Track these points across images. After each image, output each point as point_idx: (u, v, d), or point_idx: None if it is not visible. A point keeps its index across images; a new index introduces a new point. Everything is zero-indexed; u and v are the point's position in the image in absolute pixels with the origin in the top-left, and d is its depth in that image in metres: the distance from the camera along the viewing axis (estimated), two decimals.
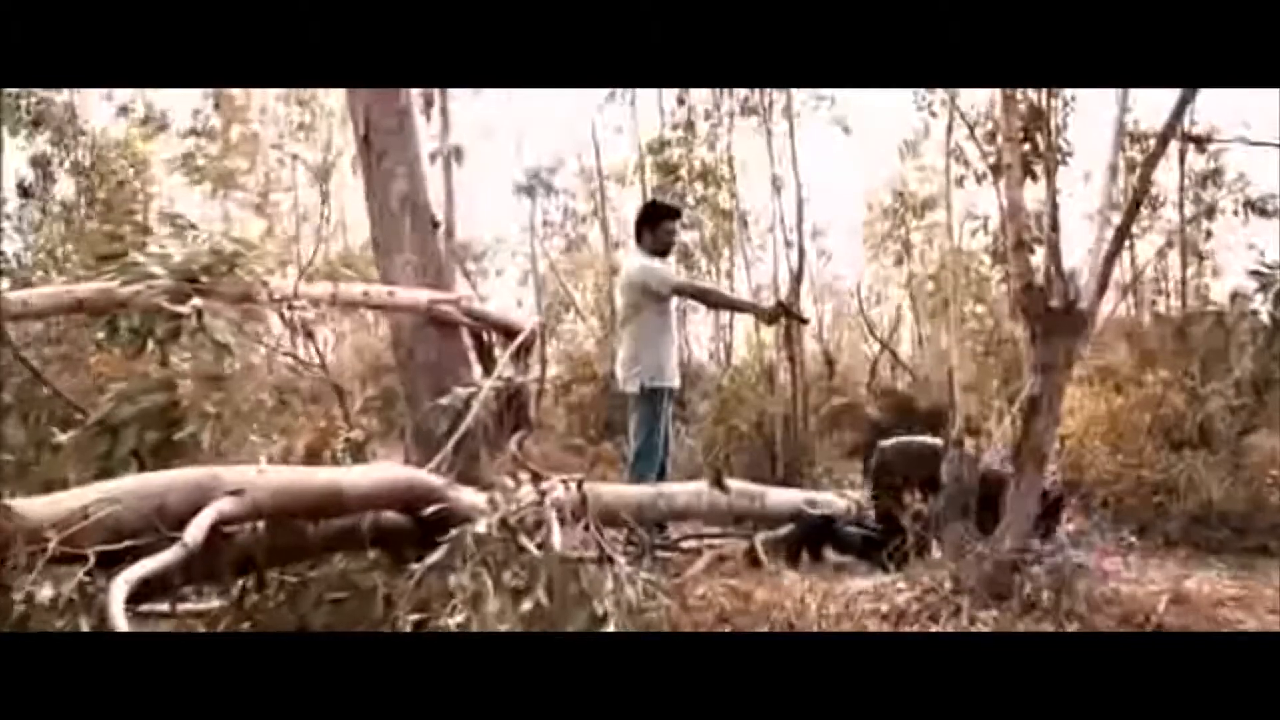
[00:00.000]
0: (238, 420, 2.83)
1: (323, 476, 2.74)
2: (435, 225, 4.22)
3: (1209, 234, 13.50)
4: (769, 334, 8.78)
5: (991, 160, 8.51)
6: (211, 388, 2.85)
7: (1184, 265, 13.47)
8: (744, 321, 12.37)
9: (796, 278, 6.79)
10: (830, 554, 5.06)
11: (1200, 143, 10.42)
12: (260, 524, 2.51)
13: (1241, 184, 12.52)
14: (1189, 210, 12.48)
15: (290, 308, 3.07)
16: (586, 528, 2.85)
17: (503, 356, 3.86)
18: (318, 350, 3.27)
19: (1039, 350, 4.07)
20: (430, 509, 2.73)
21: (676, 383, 5.45)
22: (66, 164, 13.70)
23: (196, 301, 2.85)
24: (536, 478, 3.62)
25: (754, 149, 11.15)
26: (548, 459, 5.46)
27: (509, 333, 4.00)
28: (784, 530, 5.08)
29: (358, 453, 2.92)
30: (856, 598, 4.01)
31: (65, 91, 13.43)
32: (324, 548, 2.74)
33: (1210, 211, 13.27)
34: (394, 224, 4.09)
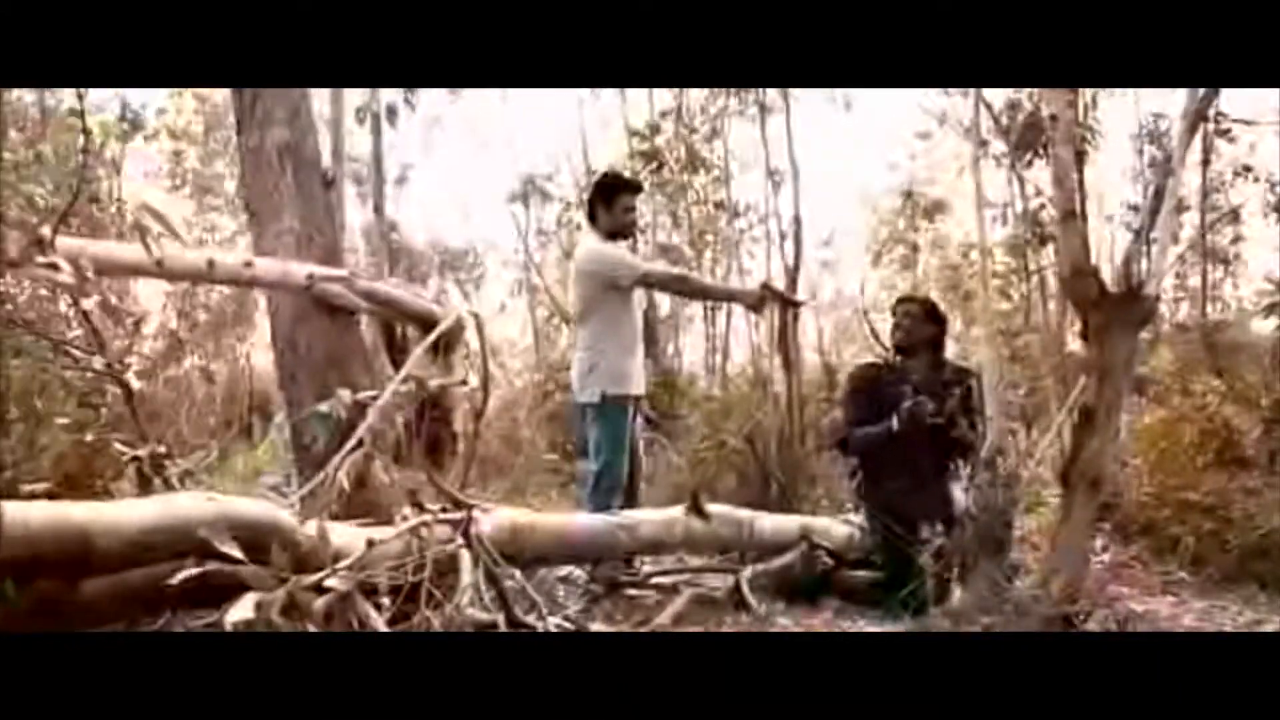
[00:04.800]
0: None
1: (57, 518, 1.87)
2: (328, 184, 3.38)
3: (1236, 238, 12.74)
4: (766, 340, 7.92)
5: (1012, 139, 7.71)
6: None
7: (1205, 272, 12.75)
8: (741, 329, 11.59)
9: (793, 274, 5.96)
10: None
11: (1221, 122, 9.67)
12: None
13: (1269, 183, 11.76)
14: (1218, 208, 11.69)
15: (45, 266, 2.17)
16: (495, 584, 2.04)
17: (415, 352, 3.03)
18: (95, 332, 2.39)
19: (1093, 349, 3.26)
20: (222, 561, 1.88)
21: (642, 389, 4.63)
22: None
23: None
24: (458, 505, 2.82)
25: (748, 137, 10.38)
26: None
27: (427, 324, 3.17)
28: (777, 563, 4.24)
29: (152, 478, 2.10)
30: None
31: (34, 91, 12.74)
32: (97, 614, 1.90)
33: (1235, 215, 12.55)
34: (270, 180, 3.26)
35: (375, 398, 2.80)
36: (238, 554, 1.80)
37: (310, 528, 2.01)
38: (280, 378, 3.32)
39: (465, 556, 2.44)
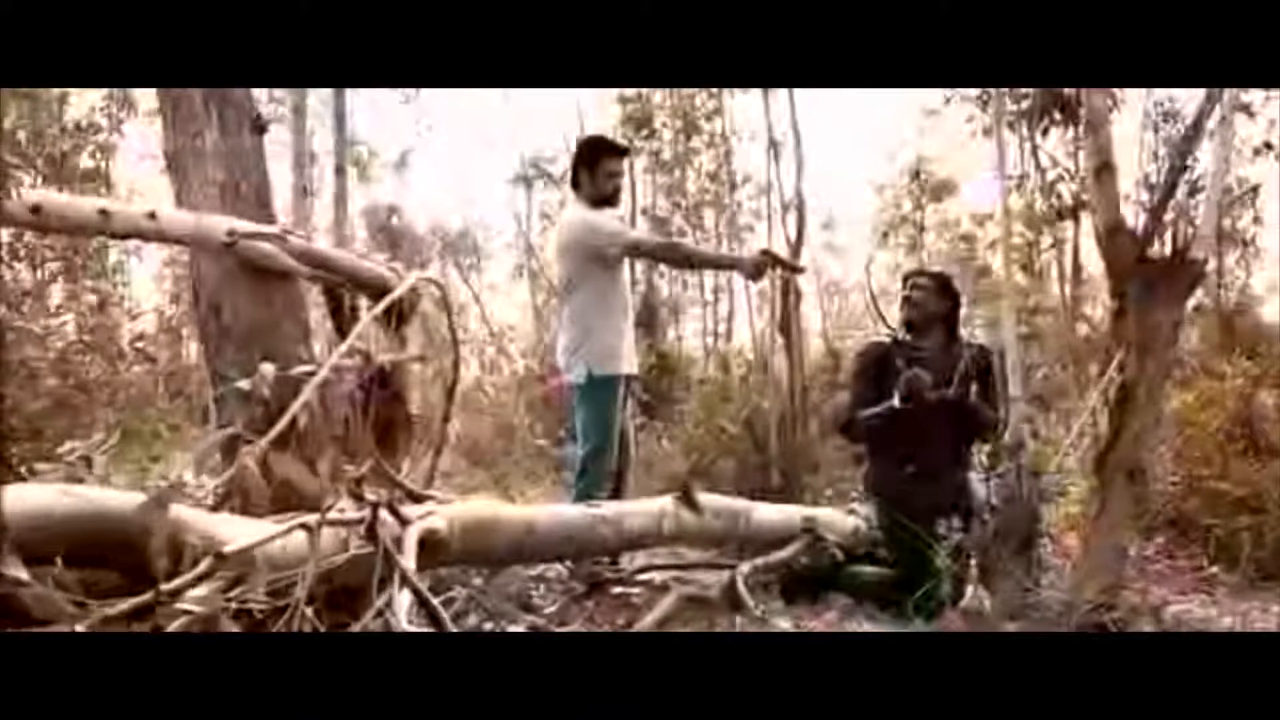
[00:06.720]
0: None
1: None
2: (260, 129, 3.01)
3: (1257, 219, 12.41)
4: (767, 319, 7.54)
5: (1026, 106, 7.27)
6: None
7: (1220, 255, 12.41)
8: (742, 311, 11.24)
9: (795, 246, 5.58)
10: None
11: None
12: None
13: None
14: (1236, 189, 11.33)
15: None
16: (417, 594, 1.69)
17: (362, 321, 2.66)
18: None
19: (1129, 321, 2.89)
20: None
21: (633, 369, 4.28)
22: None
23: None
24: (414, 497, 2.46)
25: (748, 104, 9.98)
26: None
27: (378, 292, 2.80)
28: (776, 558, 3.89)
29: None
30: None
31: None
32: None
33: (1255, 194, 12.19)
34: (192, 125, 2.88)
35: (311, 374, 2.44)
36: (19, 573, 1.44)
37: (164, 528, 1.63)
38: (204, 351, 2.96)
39: (402, 578, 2.07)
